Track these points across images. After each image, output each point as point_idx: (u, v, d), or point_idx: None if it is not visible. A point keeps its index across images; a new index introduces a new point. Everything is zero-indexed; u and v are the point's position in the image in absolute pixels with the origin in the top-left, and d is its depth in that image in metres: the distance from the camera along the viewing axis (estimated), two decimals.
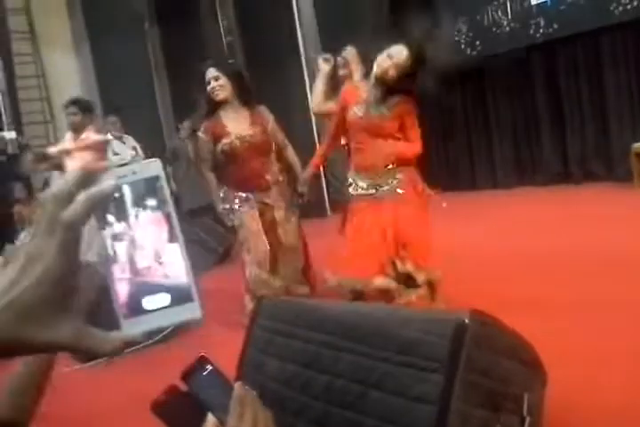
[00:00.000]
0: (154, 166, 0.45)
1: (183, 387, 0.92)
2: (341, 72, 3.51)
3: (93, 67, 7.96)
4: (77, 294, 0.43)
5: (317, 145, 8.15)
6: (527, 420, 1.29)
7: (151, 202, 0.44)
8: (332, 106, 3.31)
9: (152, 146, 7.07)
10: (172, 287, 0.43)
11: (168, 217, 0.44)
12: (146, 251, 0.43)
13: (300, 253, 3.41)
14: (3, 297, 0.40)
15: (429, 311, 1.36)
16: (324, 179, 8.09)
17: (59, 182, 0.42)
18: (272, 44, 8.16)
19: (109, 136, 6.80)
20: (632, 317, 2.65)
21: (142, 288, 0.43)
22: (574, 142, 7.12)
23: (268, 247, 3.24)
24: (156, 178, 0.44)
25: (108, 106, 7.56)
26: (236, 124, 3.19)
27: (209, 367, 0.92)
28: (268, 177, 3.29)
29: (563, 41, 6.92)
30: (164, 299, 0.43)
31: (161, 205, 0.44)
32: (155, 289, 0.43)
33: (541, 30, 6.99)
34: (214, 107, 3.17)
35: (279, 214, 3.30)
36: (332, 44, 8.32)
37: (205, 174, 3.36)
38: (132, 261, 0.44)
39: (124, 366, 2.94)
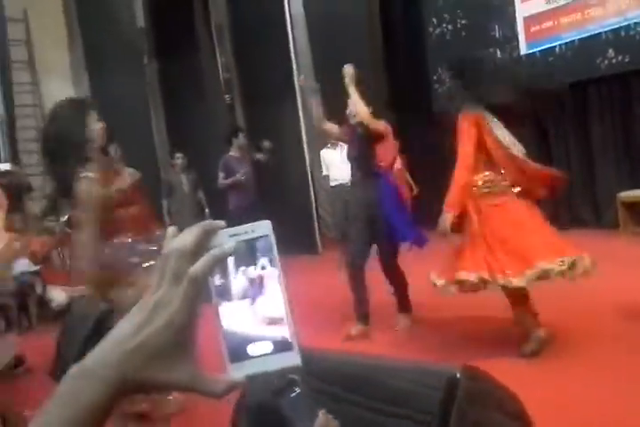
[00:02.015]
0: (265, 226, 0.49)
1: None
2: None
3: (91, 97, 8.07)
4: (195, 339, 0.47)
5: (310, 179, 8.23)
6: None
7: (261, 259, 0.48)
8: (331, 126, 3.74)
9: (147, 179, 7.12)
10: (275, 337, 0.47)
11: (275, 274, 0.48)
12: (253, 303, 0.48)
13: None
14: (133, 339, 0.45)
15: (420, 363, 1.39)
16: (315, 215, 8.15)
17: (181, 238, 0.47)
18: (269, 80, 8.34)
19: None
20: (611, 364, 2.69)
21: (247, 336, 0.48)
22: (562, 189, 7.26)
23: None
24: (267, 237, 0.48)
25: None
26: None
27: (297, 390, 0.96)
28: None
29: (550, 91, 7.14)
30: (266, 347, 0.47)
31: (269, 263, 0.48)
32: (258, 337, 0.47)
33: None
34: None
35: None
36: (328, 83, 8.57)
37: None
38: (238, 311, 0.48)
39: None
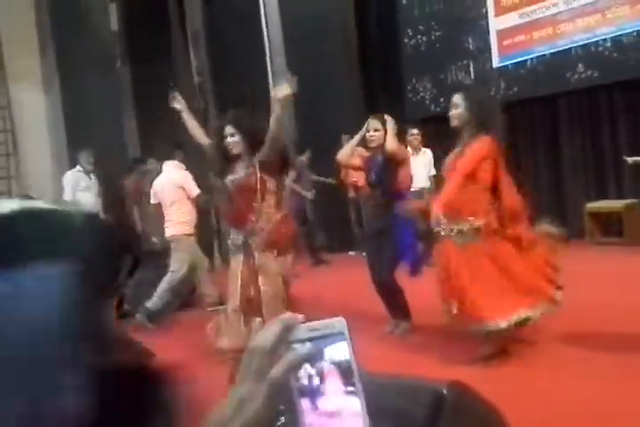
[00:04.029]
0: (339, 324, 0.51)
1: None
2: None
3: (61, 102, 7.92)
4: None
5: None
6: None
7: (336, 357, 0.51)
8: (355, 160, 4.07)
9: (118, 185, 7.02)
10: (349, 423, 0.50)
11: (350, 372, 0.51)
12: (327, 397, 0.51)
13: (279, 305, 3.21)
14: None
15: (408, 379, 1.40)
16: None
17: (264, 334, 0.52)
18: (243, 86, 8.32)
19: (78, 167, 6.75)
20: (589, 376, 2.74)
21: (324, 421, 0.51)
22: (531, 199, 7.41)
23: (238, 295, 3.24)
24: (341, 335, 0.51)
25: (74, 142, 7.50)
26: (236, 168, 3.39)
27: (282, 419, 0.94)
28: (253, 218, 3.29)
29: (521, 103, 7.31)
30: None
31: (344, 361, 0.51)
32: (334, 423, 0.51)
33: (502, 92, 7.37)
34: (232, 157, 3.39)
35: (260, 260, 3.25)
36: (303, 91, 8.58)
37: None
38: (315, 402, 0.52)
39: None
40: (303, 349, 0.51)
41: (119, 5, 8.51)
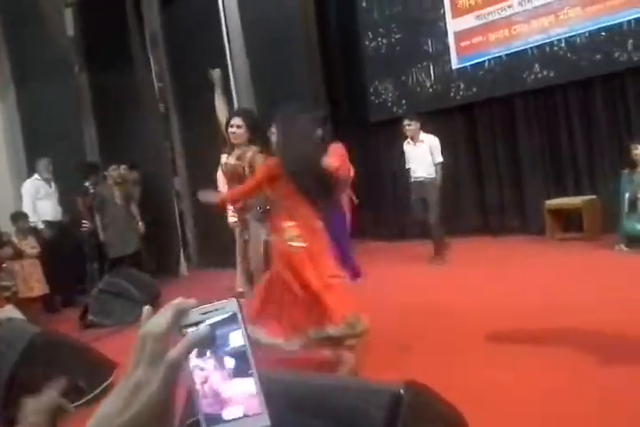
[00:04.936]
0: (232, 305, 0.54)
1: None
2: None
3: (17, 109, 7.73)
4: (175, 415, 0.51)
5: None
6: None
7: (230, 339, 0.53)
8: None
9: (78, 192, 6.91)
10: (246, 402, 0.52)
11: (243, 351, 0.53)
12: (223, 377, 0.53)
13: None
14: (117, 419, 0.48)
15: (365, 381, 1.41)
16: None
17: (156, 320, 0.51)
18: (203, 91, 8.23)
19: (37, 176, 6.62)
20: (548, 370, 2.79)
21: (221, 402, 0.53)
22: (492, 198, 7.54)
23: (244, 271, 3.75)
24: (234, 316, 0.53)
25: (32, 150, 7.35)
26: (233, 156, 3.83)
27: None
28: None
29: (480, 104, 7.43)
30: (238, 411, 0.52)
31: (238, 343, 0.53)
32: (231, 404, 0.52)
33: (461, 93, 7.48)
34: (233, 145, 3.84)
35: (251, 232, 3.73)
36: (264, 92, 8.58)
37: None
38: (212, 382, 0.53)
39: None
40: (198, 332, 0.52)
41: (75, 10, 8.35)
